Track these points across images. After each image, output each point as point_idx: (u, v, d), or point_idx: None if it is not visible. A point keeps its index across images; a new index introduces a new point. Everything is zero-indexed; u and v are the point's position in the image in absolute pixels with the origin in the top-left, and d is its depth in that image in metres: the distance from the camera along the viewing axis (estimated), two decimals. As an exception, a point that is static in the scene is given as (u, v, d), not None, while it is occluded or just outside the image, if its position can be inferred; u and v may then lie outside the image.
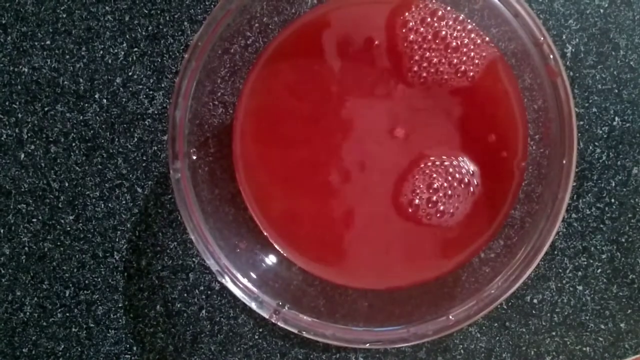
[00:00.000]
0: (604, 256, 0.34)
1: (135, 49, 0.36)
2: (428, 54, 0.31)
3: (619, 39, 0.34)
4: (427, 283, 0.32)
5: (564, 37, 0.34)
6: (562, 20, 0.34)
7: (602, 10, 0.34)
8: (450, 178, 0.31)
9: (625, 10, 0.34)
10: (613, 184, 0.35)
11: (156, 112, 0.36)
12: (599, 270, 0.35)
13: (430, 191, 0.31)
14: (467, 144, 0.31)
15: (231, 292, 0.30)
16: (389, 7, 0.31)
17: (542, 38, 0.28)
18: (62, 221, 0.36)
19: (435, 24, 0.31)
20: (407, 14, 0.31)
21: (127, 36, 0.36)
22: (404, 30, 0.31)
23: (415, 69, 0.31)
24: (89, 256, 0.36)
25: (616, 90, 0.34)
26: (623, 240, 0.34)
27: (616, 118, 0.35)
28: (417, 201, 0.32)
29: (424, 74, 0.31)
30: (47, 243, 0.36)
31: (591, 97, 0.34)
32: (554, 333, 0.35)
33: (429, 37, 0.31)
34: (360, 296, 0.32)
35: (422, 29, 0.31)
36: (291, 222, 0.33)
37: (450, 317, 0.29)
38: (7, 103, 0.36)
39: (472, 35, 0.31)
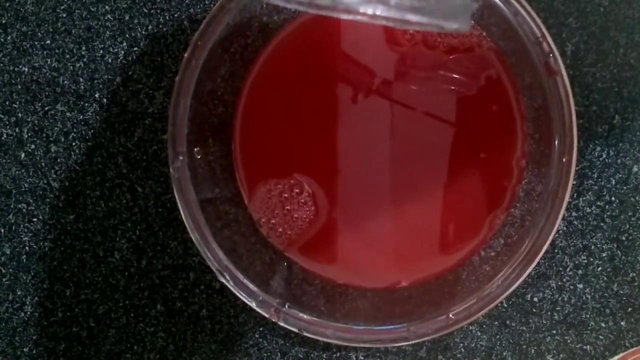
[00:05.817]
0: (604, 254, 0.34)
1: (135, 49, 0.36)
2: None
3: (619, 37, 0.34)
4: (427, 282, 0.32)
5: (563, 35, 0.34)
6: (561, 19, 0.34)
7: (602, 9, 0.34)
8: None
9: (625, 8, 0.34)
10: (613, 182, 0.34)
11: (156, 111, 0.36)
12: (599, 269, 0.35)
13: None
14: (465, 144, 0.31)
15: (231, 292, 0.30)
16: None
17: (541, 36, 0.28)
18: (63, 220, 0.36)
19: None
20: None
21: (127, 35, 0.36)
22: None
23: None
24: (89, 255, 0.36)
25: (616, 89, 0.34)
26: (623, 238, 0.34)
27: (616, 116, 0.35)
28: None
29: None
30: (48, 242, 0.36)
31: (591, 95, 0.34)
32: (554, 331, 0.35)
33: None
34: (361, 295, 0.33)
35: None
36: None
37: (451, 315, 0.29)
38: (7, 103, 0.36)
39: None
